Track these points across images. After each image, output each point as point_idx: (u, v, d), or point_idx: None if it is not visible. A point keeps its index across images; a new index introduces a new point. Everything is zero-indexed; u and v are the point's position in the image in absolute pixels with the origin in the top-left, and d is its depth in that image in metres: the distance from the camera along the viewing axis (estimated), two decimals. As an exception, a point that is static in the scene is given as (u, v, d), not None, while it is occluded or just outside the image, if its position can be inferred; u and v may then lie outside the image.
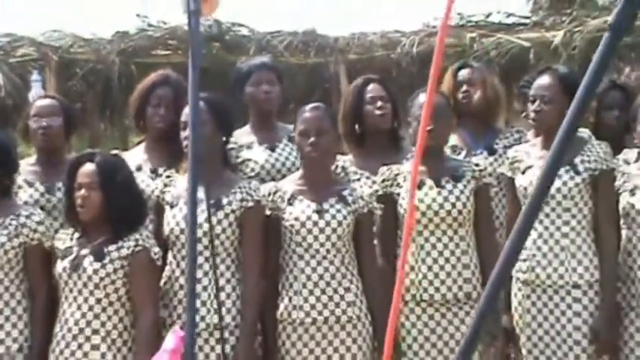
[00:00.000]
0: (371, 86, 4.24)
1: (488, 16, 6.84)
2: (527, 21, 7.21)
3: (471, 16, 6.84)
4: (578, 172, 3.87)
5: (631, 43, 6.15)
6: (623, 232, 3.85)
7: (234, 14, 6.38)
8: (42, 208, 3.96)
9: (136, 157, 4.00)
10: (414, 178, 3.41)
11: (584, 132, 4.09)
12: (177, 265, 3.79)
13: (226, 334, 3.67)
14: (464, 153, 4.22)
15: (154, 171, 3.98)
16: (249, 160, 4.10)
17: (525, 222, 1.41)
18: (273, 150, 4.08)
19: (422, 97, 3.88)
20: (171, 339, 2.01)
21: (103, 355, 3.62)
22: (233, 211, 3.77)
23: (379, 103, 4.14)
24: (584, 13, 6.75)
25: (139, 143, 4.28)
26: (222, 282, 3.71)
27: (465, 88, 4.38)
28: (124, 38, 6.44)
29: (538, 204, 1.42)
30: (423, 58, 6.25)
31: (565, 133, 1.33)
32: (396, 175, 3.92)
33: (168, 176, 3.84)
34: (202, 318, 3.61)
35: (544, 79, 3.93)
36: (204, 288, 3.69)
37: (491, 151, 4.31)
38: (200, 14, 1.98)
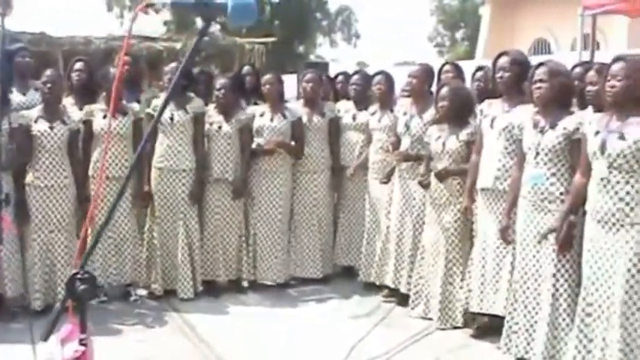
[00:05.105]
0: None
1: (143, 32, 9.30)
2: (164, 36, 9.72)
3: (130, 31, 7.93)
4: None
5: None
6: None
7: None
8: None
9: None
10: (113, 108, 4.90)
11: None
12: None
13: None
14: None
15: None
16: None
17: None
18: (24, 95, 5.13)
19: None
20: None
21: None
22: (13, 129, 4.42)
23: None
24: (190, 34, 9.90)
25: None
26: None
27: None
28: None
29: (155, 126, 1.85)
30: (105, 50, 8.73)
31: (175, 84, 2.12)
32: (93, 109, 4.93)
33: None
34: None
35: (171, 66, 5.18)
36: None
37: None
38: (5, 16, 2.16)
